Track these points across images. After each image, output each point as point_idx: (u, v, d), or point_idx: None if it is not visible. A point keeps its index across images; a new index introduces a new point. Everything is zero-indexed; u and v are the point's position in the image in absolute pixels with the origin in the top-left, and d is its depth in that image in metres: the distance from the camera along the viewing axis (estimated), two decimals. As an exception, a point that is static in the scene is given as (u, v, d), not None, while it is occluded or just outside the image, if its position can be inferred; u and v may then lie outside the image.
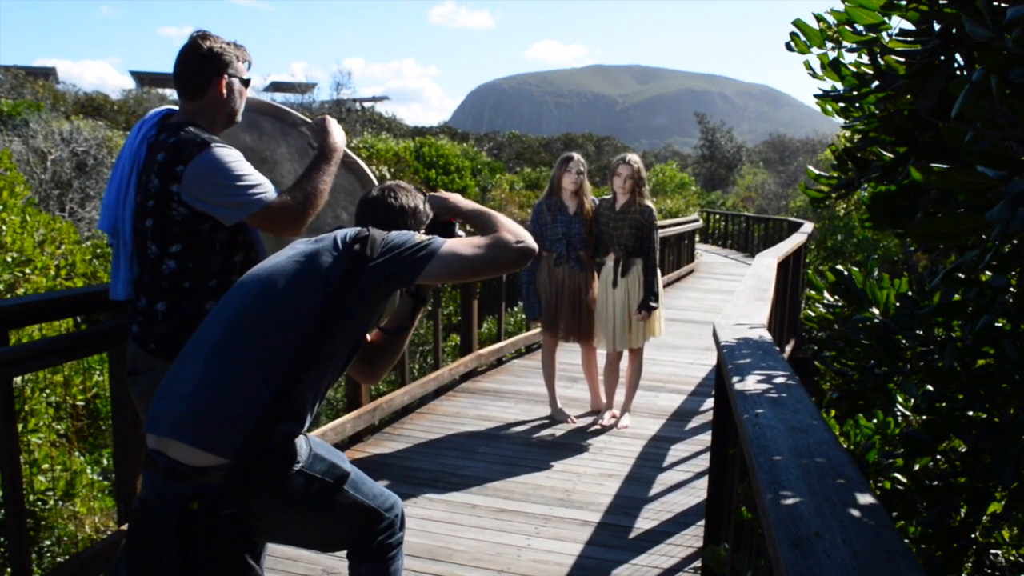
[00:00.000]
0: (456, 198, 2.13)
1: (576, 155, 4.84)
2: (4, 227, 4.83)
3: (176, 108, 2.33)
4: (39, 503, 3.61)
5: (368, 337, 2.07)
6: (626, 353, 4.94)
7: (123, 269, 2.28)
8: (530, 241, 1.90)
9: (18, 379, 3.61)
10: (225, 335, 1.74)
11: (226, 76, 2.25)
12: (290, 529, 1.85)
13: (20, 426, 3.52)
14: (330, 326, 1.75)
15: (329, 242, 1.83)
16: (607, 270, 4.77)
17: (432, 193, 2.13)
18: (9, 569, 2.37)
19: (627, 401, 5.00)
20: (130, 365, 2.28)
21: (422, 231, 2.02)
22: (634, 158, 4.77)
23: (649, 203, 4.72)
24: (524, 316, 7.06)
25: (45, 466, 3.69)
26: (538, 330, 5.81)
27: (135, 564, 1.67)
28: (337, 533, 1.92)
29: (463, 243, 1.86)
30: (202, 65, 2.23)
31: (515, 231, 1.90)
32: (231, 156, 2.15)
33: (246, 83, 2.34)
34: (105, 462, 4.37)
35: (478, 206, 2.09)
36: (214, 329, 1.78)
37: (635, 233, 4.67)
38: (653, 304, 4.68)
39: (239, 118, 2.35)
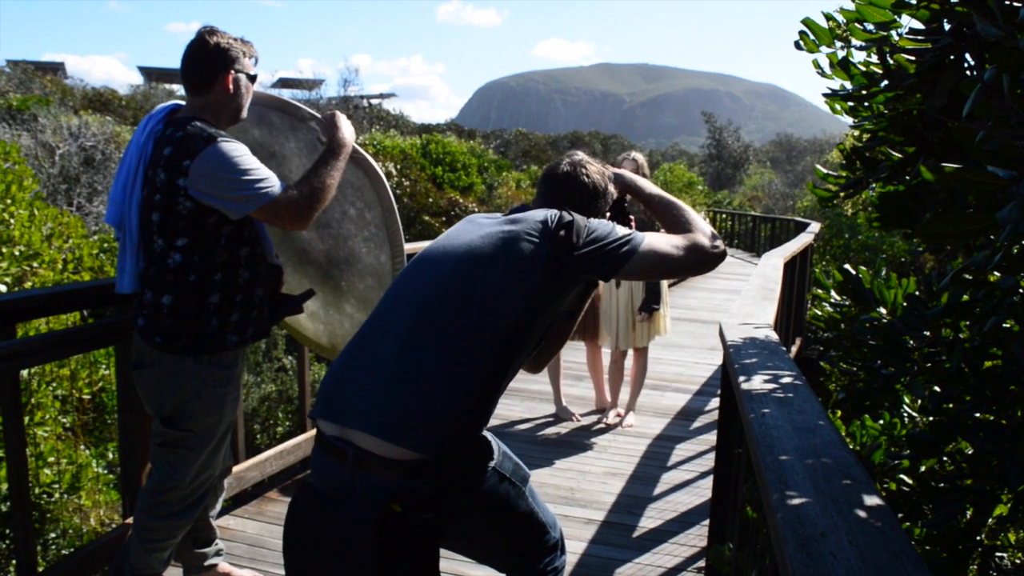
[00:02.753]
0: (638, 180, 2.04)
1: (582, 153, 4.83)
2: (12, 221, 4.85)
3: (183, 103, 2.33)
4: (44, 496, 3.62)
5: None
6: (631, 352, 4.94)
7: (129, 263, 2.29)
8: (722, 244, 1.82)
9: (25, 372, 3.62)
10: (421, 321, 1.63)
11: (232, 72, 2.25)
12: (474, 531, 1.76)
13: (26, 419, 3.53)
14: (533, 313, 1.67)
15: (529, 226, 1.73)
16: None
17: (614, 170, 2.06)
18: (15, 561, 2.38)
19: (632, 400, 4.99)
20: (136, 358, 2.29)
21: (608, 214, 1.98)
22: (638, 155, 4.76)
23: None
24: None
25: (51, 459, 3.71)
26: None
27: (310, 561, 1.56)
28: (512, 542, 1.82)
29: (662, 241, 1.78)
30: (209, 60, 2.23)
31: (707, 232, 1.81)
32: (237, 150, 2.15)
33: (252, 79, 2.34)
34: (111, 455, 4.38)
35: (660, 191, 1.99)
36: (404, 314, 1.65)
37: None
38: (655, 306, 4.67)
39: (245, 114, 2.35)
